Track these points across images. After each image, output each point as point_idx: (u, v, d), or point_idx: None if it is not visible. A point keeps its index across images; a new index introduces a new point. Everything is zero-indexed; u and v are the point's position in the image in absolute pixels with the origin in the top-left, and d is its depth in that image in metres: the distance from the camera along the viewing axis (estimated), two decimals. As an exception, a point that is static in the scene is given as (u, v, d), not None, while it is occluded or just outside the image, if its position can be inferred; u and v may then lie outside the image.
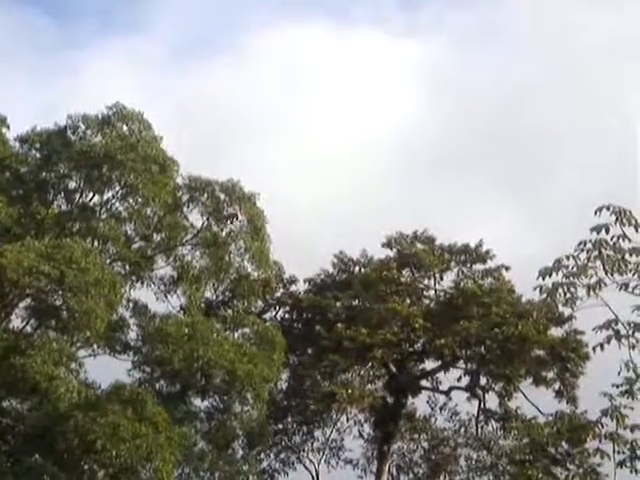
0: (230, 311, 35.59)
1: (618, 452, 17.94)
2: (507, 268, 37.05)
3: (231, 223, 33.57)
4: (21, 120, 35.74)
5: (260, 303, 36.96)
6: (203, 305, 34.69)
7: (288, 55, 71.33)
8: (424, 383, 37.95)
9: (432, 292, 38.03)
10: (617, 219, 16.84)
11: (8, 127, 33.91)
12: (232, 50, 78.45)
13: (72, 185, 33.67)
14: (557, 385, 35.62)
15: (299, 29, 73.69)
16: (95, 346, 31.99)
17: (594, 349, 17.56)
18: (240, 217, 33.44)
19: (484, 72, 69.76)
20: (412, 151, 61.74)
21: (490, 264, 37.34)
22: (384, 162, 61.28)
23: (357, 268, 37.97)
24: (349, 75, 67.83)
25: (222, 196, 33.31)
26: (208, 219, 33.81)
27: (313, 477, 38.65)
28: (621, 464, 17.94)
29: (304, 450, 38.67)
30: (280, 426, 37.47)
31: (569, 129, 61.91)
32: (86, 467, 29.76)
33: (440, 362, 36.94)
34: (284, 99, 66.35)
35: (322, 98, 66.54)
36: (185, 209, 33.92)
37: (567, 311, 20.75)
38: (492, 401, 36.95)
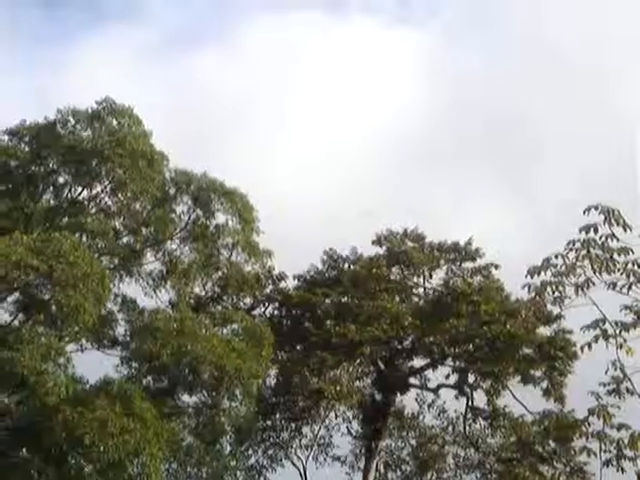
0: (219, 307, 35.59)
1: (605, 451, 17.97)
2: (496, 266, 37.08)
3: (218, 216, 33.70)
4: (11, 112, 35.68)
5: (249, 299, 36.93)
6: (192, 301, 34.70)
7: (280, 44, 71.27)
8: (413, 381, 37.96)
9: (421, 290, 38.04)
10: (606, 219, 16.88)
11: (-4, 119, 33.87)
12: (225, 39, 78.52)
13: (61, 179, 33.71)
14: (545, 384, 35.62)
15: (291, 18, 73.66)
16: (83, 341, 31.97)
17: (582, 348, 17.60)
18: (228, 210, 33.50)
19: (478, 60, 69.76)
20: (403, 144, 61.70)
21: (479, 262, 37.38)
22: (376, 154, 61.38)
23: (347, 265, 37.94)
24: (341, 66, 67.79)
25: (210, 190, 33.35)
26: (196, 213, 33.86)
27: (301, 474, 38.62)
28: (607, 463, 17.97)
29: (292, 446, 38.62)
30: (268, 422, 37.44)
31: (566, 123, 61.89)
32: (73, 462, 29.68)
33: (429, 360, 36.96)
34: (276, 90, 66.27)
35: (314, 90, 66.45)
36: (174, 203, 33.96)
37: (555, 310, 20.77)
38: (480, 399, 37.01)
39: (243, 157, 53.98)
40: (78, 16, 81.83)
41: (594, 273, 17.16)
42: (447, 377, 36.94)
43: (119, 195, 33.28)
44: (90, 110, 33.34)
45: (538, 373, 35.75)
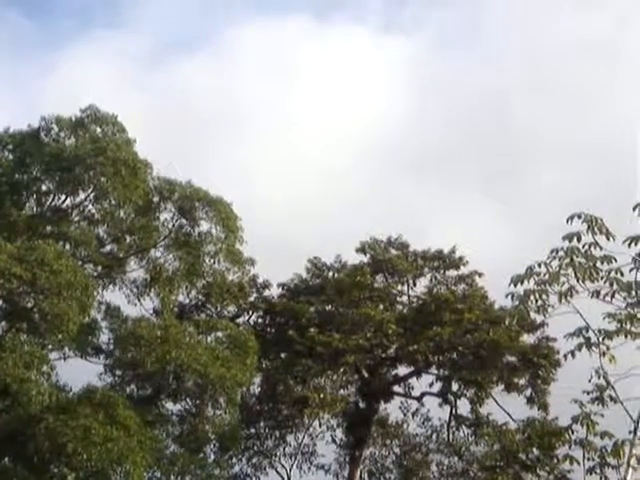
0: (203, 315, 35.56)
1: (588, 459, 18.01)
2: (480, 274, 37.15)
3: (202, 224, 33.70)
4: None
5: (233, 307, 36.91)
6: (176, 309, 34.68)
7: (268, 52, 71.46)
8: (396, 389, 37.99)
9: (405, 298, 38.07)
10: (589, 227, 16.95)
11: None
12: (213, 47, 78.66)
13: (44, 187, 33.66)
14: (528, 391, 35.71)
15: (281, 26, 73.84)
16: (67, 349, 31.83)
17: (565, 356, 17.64)
18: (212, 219, 33.52)
19: (465, 70, 69.91)
20: (391, 149, 61.79)
21: (463, 270, 37.45)
22: (362, 160, 61.42)
23: (331, 273, 37.95)
24: (330, 72, 67.83)
25: (194, 198, 33.37)
26: (179, 221, 33.87)
27: (285, 482, 38.63)
28: (591, 471, 18.02)
29: (276, 455, 38.60)
30: (252, 430, 37.40)
31: (551, 129, 62.04)
32: (56, 470, 29.64)
33: (412, 368, 36.98)
34: (263, 96, 66.32)
35: (302, 95, 66.60)
36: (157, 211, 33.95)
37: (539, 318, 20.86)
38: (464, 407, 37.06)
39: (228, 162, 54.06)
40: (66, 23, 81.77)
41: (577, 281, 17.20)
42: (431, 385, 37.02)
43: (102, 203, 33.26)
44: (74, 118, 33.38)
45: (522, 381, 35.83)
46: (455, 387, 36.83)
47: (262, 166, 56.53)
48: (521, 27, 70.36)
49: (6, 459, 30.25)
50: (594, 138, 56.81)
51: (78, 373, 32.18)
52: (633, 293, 17.18)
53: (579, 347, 17.25)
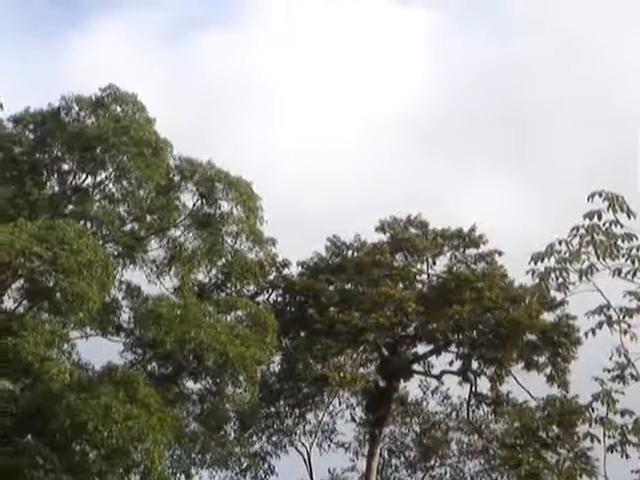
0: (223, 294, 35.62)
1: (609, 436, 18.05)
2: (500, 253, 37.06)
3: (223, 204, 33.78)
4: (20, 98, 35.80)
5: (253, 286, 36.93)
6: (196, 288, 34.76)
7: (288, 24, 70.94)
8: (416, 367, 37.94)
9: (425, 276, 38.01)
10: (610, 205, 16.90)
11: (1, 107, 33.87)
12: (232, 19, 78.20)
13: (65, 167, 33.79)
14: (548, 370, 35.65)
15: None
16: (87, 327, 32.02)
17: (586, 334, 17.63)
18: (233, 199, 33.57)
19: (482, 41, 69.31)
20: (408, 122, 61.31)
21: (483, 249, 37.36)
22: (384, 135, 60.93)
23: (350, 252, 37.94)
24: (345, 43, 67.12)
25: (215, 179, 33.42)
26: (200, 201, 33.93)
27: (305, 460, 38.71)
28: (611, 448, 18.04)
29: (296, 433, 38.68)
30: (272, 409, 37.47)
31: (570, 101, 61.51)
32: (78, 448, 29.82)
33: (432, 346, 36.95)
34: (284, 70, 65.78)
35: (322, 69, 65.91)
36: (178, 191, 34.03)
37: (559, 296, 20.84)
38: (484, 385, 37.03)
39: (249, 137, 53.94)
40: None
41: (598, 259, 17.19)
42: (451, 363, 36.96)
43: (123, 182, 33.36)
44: (94, 97, 33.46)
45: (542, 359, 35.76)
46: (475, 365, 36.82)
47: (277, 141, 56.33)
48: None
49: (29, 436, 30.45)
50: (614, 109, 56.41)
51: (99, 351, 32.38)
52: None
53: (600, 325, 17.25)
